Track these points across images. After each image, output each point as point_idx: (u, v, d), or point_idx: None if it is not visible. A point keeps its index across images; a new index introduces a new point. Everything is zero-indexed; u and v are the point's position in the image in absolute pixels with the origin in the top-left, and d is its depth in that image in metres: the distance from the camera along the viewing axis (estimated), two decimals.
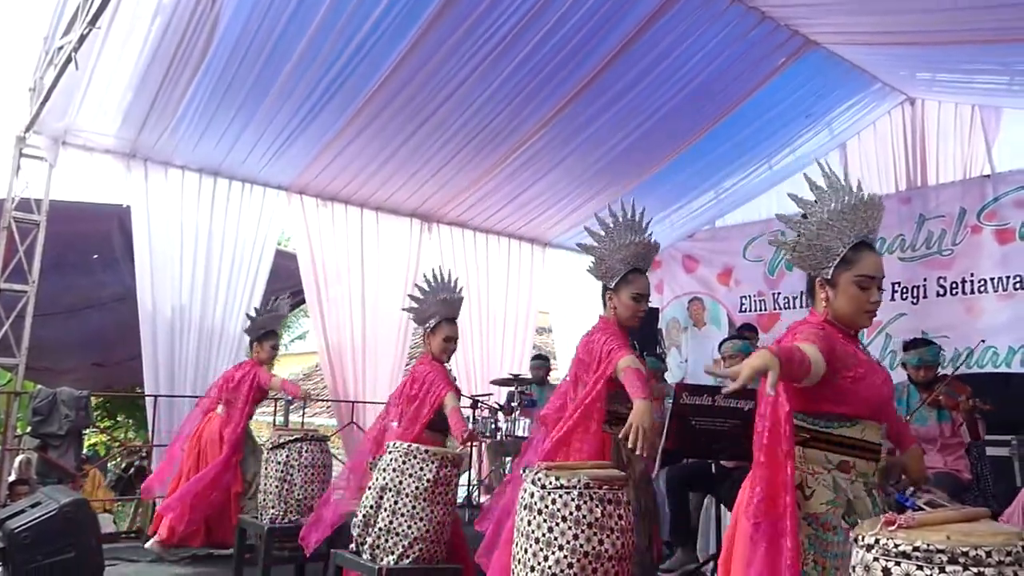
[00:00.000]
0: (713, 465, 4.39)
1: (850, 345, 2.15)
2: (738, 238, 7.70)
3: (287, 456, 4.46)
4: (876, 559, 1.57)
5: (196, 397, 6.32)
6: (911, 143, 6.91)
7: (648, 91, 5.87)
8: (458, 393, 4.09)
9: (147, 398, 6.29)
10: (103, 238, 6.96)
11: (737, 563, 2.04)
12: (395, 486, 3.39)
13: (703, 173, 7.25)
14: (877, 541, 1.58)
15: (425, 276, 4.29)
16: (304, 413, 8.99)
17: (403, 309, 4.32)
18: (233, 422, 5.18)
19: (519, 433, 5.91)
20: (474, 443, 3.82)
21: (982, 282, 6.09)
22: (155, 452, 6.22)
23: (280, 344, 5.38)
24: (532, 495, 2.48)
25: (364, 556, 3.39)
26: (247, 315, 5.81)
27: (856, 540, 1.64)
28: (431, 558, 3.37)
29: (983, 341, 5.87)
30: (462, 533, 3.79)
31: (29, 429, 6.44)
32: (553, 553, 2.38)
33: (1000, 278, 6.02)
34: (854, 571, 1.64)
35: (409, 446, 3.48)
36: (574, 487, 2.42)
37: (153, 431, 6.17)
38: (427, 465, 3.41)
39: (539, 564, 2.39)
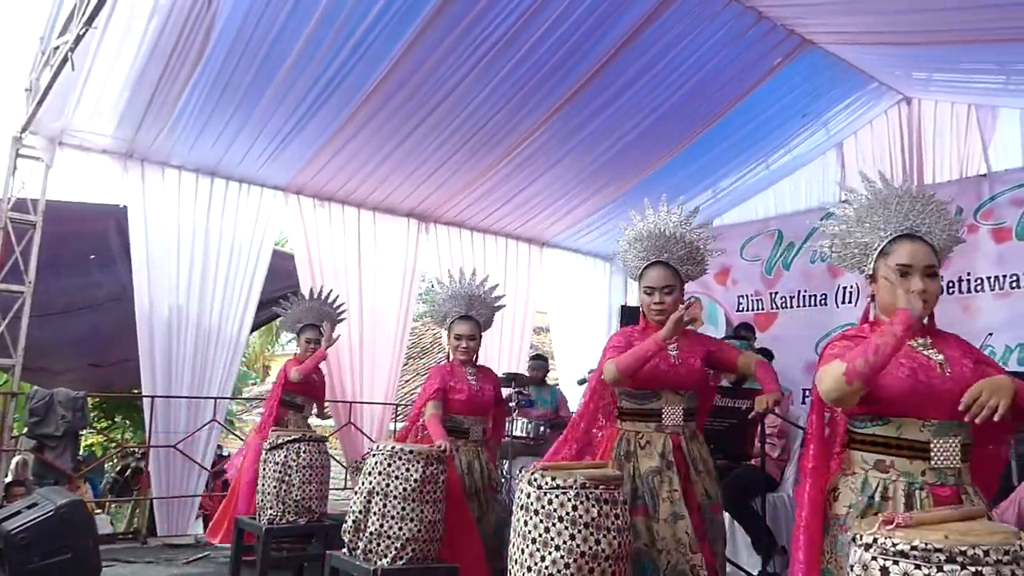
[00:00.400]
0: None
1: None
2: (735, 238, 7.70)
3: (285, 457, 4.46)
4: (874, 558, 1.57)
5: (193, 398, 6.33)
6: (908, 142, 6.91)
7: (645, 91, 5.87)
8: (441, 397, 3.99)
9: (144, 399, 6.28)
10: (100, 238, 6.95)
11: None
12: (382, 489, 3.38)
13: (700, 172, 7.25)
14: (875, 540, 1.58)
15: (438, 278, 4.30)
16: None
17: (424, 315, 4.29)
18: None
19: (517, 433, 5.89)
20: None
21: (979, 281, 6.10)
22: (152, 453, 6.22)
23: (319, 339, 5.32)
24: (529, 495, 2.48)
25: (358, 559, 3.38)
26: (277, 309, 5.75)
27: (854, 539, 1.65)
28: (424, 558, 3.37)
29: (990, 334, 5.87)
30: (478, 534, 3.78)
31: (25, 430, 6.42)
32: (550, 553, 2.38)
33: (997, 277, 6.03)
34: (852, 570, 1.64)
35: (393, 447, 3.47)
36: (570, 487, 2.42)
37: (150, 432, 6.17)
38: (413, 465, 3.40)
39: (536, 564, 2.40)
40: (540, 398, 6.59)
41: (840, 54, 5.90)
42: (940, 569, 1.48)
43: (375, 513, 3.36)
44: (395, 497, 3.35)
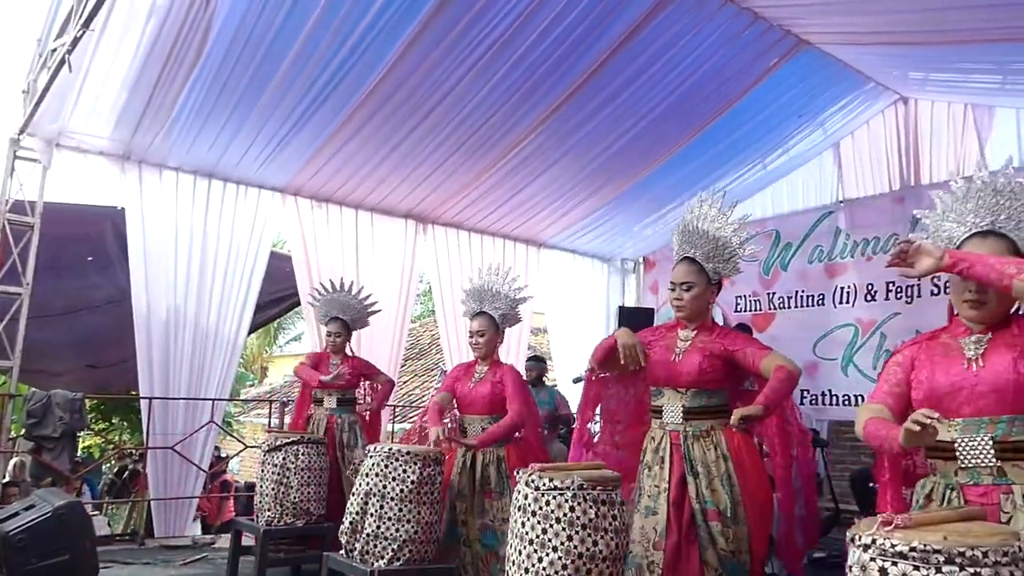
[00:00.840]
0: None
1: (948, 344, 2.06)
2: None
3: (283, 458, 4.46)
4: (873, 559, 1.57)
5: (191, 399, 6.33)
6: (904, 142, 6.92)
7: (642, 91, 5.87)
8: (448, 389, 4.08)
9: (142, 400, 6.27)
10: (97, 240, 6.94)
11: None
12: (379, 490, 3.37)
13: (697, 173, 7.24)
14: (874, 541, 1.58)
15: (471, 278, 4.31)
16: None
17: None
18: None
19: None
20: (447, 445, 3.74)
21: None
22: (149, 455, 6.22)
23: (344, 335, 5.35)
24: (526, 496, 2.48)
25: (355, 560, 3.38)
26: (312, 295, 5.73)
27: (853, 540, 1.64)
28: (421, 559, 3.37)
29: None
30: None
31: (23, 431, 6.41)
32: (547, 554, 2.38)
33: None
34: (851, 571, 1.64)
35: (390, 448, 3.47)
36: (568, 488, 2.42)
37: (147, 434, 6.16)
38: (410, 467, 3.40)
39: (533, 565, 2.40)
40: (538, 399, 6.56)
41: (837, 54, 5.90)
42: (939, 570, 1.48)
43: (372, 514, 3.36)
44: (392, 498, 3.35)
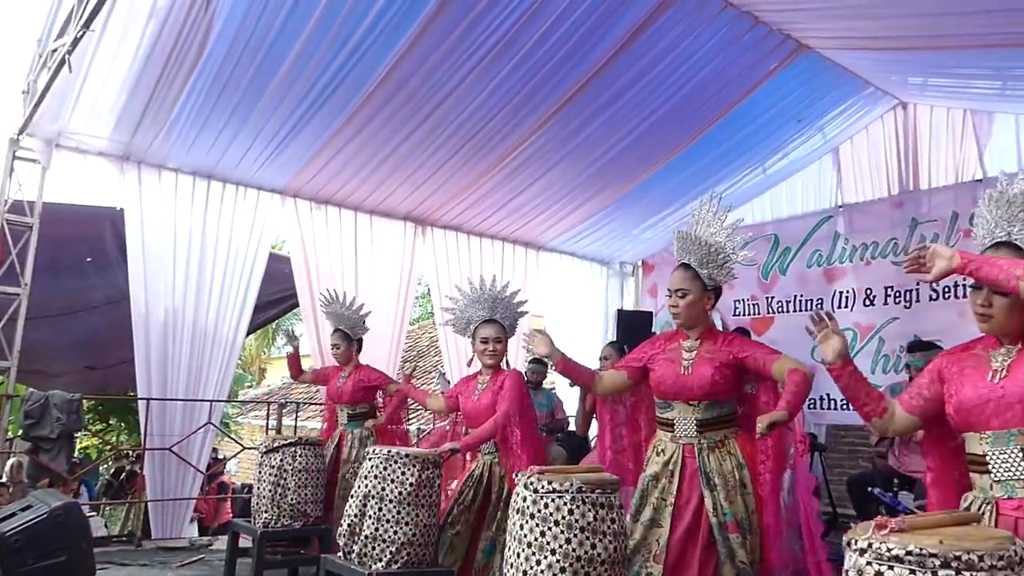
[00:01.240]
0: None
1: (980, 356, 2.06)
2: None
3: (281, 460, 4.45)
4: (869, 563, 1.57)
5: (188, 400, 6.32)
6: (903, 147, 6.93)
7: (642, 95, 5.88)
8: (453, 405, 4.06)
9: (139, 401, 6.27)
10: (96, 241, 6.94)
11: None
12: (378, 493, 3.37)
13: (697, 177, 7.25)
14: (870, 545, 1.58)
15: (457, 286, 4.13)
16: (297, 417, 8.97)
17: (441, 324, 4.03)
18: None
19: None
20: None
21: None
22: (147, 456, 6.21)
23: (343, 346, 5.25)
24: (525, 499, 2.47)
25: (353, 563, 3.37)
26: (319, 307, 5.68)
27: (849, 544, 1.64)
28: (419, 562, 3.36)
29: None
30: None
31: (20, 432, 6.40)
32: (545, 557, 2.37)
33: None
34: (847, 575, 1.64)
35: (389, 451, 3.46)
36: (567, 491, 2.42)
37: (145, 435, 6.15)
38: (409, 469, 3.39)
39: (531, 568, 2.39)
40: (536, 401, 6.57)
41: (836, 59, 5.91)
42: (935, 574, 1.48)
43: (371, 517, 3.35)
44: (391, 501, 3.35)
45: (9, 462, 5.70)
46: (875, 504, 5.00)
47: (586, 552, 2.38)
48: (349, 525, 3.40)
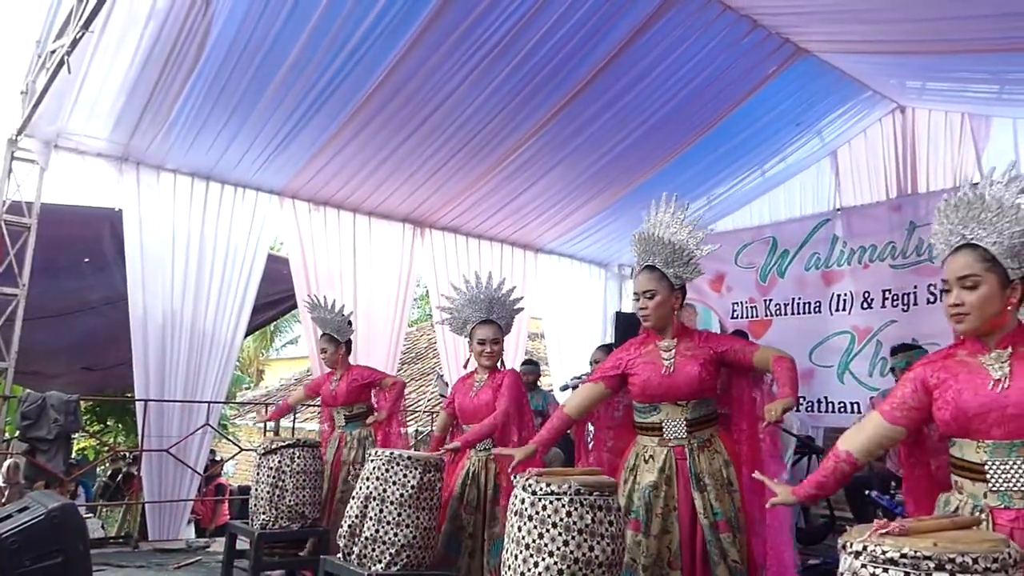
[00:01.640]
0: None
1: (969, 362, 2.03)
2: (730, 244, 7.71)
3: (279, 462, 4.44)
4: (864, 566, 1.57)
5: (186, 402, 6.31)
6: (902, 151, 6.94)
7: (640, 98, 5.88)
8: (450, 411, 4.07)
9: (137, 403, 6.26)
10: (94, 242, 6.93)
11: None
12: (379, 495, 3.37)
13: (695, 180, 7.26)
14: (865, 548, 1.58)
15: (453, 284, 4.09)
16: (295, 419, 8.96)
17: (437, 323, 3.99)
18: None
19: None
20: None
21: None
22: (144, 457, 6.20)
23: (330, 350, 5.17)
24: (523, 501, 2.47)
25: (353, 564, 3.38)
26: (309, 310, 5.59)
27: (844, 547, 1.65)
28: (419, 564, 3.37)
29: None
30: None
31: (17, 433, 6.39)
32: (543, 559, 2.38)
33: None
34: None
35: (391, 453, 3.46)
36: (565, 493, 2.42)
37: (143, 436, 6.15)
38: (411, 472, 3.40)
39: (529, 570, 2.39)
40: (532, 402, 6.57)
41: (834, 63, 5.92)
42: None
43: (371, 519, 3.35)
44: (392, 503, 3.35)
45: (6, 463, 5.69)
46: (872, 507, 5.01)
47: (584, 554, 2.38)
48: (349, 526, 3.41)
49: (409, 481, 3.38)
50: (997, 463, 1.90)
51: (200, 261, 6.37)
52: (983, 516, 1.90)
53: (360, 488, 3.46)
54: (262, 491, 4.43)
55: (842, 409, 6.66)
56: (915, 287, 6.41)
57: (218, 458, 10.27)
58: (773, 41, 5.52)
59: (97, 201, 6.77)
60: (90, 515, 7.23)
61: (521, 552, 2.43)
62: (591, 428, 3.37)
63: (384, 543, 3.31)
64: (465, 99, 5.65)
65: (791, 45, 5.60)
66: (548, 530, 2.39)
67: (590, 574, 2.39)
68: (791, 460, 5.51)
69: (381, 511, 3.35)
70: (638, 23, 5.10)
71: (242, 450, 8.66)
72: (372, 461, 3.48)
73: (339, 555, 3.49)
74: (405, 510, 3.34)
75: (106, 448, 11.18)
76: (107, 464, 9.95)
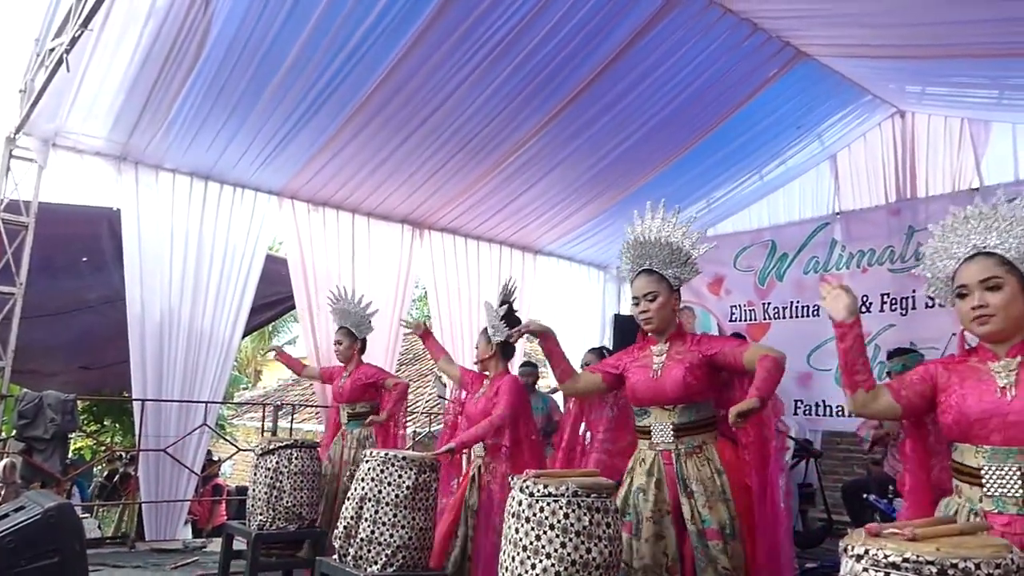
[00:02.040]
0: None
1: (978, 368, 2.05)
2: (729, 248, 7.72)
3: (276, 463, 4.43)
4: (865, 570, 1.56)
5: (184, 402, 6.30)
6: (901, 155, 6.94)
7: (640, 100, 5.89)
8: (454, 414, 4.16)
9: (134, 402, 6.25)
10: (92, 241, 6.92)
11: None
12: (375, 496, 3.36)
13: (694, 183, 7.27)
14: (867, 551, 1.57)
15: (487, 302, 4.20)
16: (293, 419, 8.95)
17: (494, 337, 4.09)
18: None
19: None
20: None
21: None
22: (141, 457, 6.19)
23: (346, 343, 5.16)
24: (520, 503, 2.46)
25: (348, 565, 3.37)
26: (328, 302, 5.51)
27: (845, 550, 1.64)
28: (415, 565, 3.35)
29: None
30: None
31: (14, 432, 6.38)
32: (540, 561, 2.37)
33: None
34: None
35: (386, 454, 3.45)
36: (562, 495, 2.41)
37: (140, 436, 6.13)
38: (406, 472, 3.38)
39: (527, 572, 2.38)
40: (532, 405, 6.55)
41: (834, 67, 5.93)
42: None
43: (367, 520, 3.34)
44: (387, 503, 3.34)
45: (2, 463, 5.67)
46: (870, 511, 5.01)
47: (581, 556, 2.37)
48: (345, 527, 3.39)
49: (404, 482, 3.36)
50: (993, 468, 1.93)
51: (198, 261, 6.37)
52: (979, 520, 1.90)
53: (355, 489, 3.45)
54: (259, 492, 4.42)
55: (840, 413, 6.66)
56: (913, 291, 6.41)
57: (215, 458, 10.25)
58: (773, 44, 5.52)
59: (95, 200, 6.76)
60: (86, 515, 7.21)
61: (518, 554, 2.42)
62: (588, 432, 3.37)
63: (380, 544, 3.30)
64: (465, 100, 5.64)
65: (791, 49, 5.60)
66: (545, 532, 2.38)
67: None
68: (789, 463, 5.50)
69: (376, 512, 3.33)
70: (639, 25, 5.10)
71: (239, 450, 8.63)
72: (367, 462, 3.47)
73: (335, 556, 3.48)
74: (401, 511, 3.33)
75: (103, 448, 11.15)
76: (104, 464, 9.93)
